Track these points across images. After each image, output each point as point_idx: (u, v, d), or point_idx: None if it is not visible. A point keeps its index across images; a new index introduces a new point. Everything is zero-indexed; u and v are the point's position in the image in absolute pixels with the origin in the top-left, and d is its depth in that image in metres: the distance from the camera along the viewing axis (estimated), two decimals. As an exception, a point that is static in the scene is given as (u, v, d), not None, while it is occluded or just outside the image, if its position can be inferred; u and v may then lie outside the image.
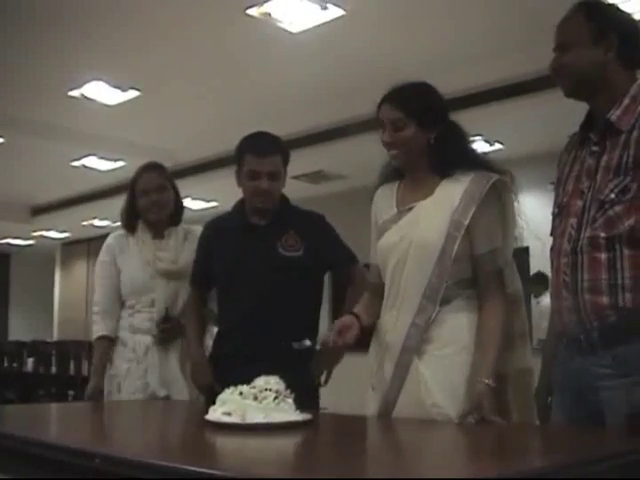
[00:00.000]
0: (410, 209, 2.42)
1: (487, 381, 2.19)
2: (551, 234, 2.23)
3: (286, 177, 3.09)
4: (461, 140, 2.45)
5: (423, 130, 2.37)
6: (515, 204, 2.37)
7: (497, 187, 2.32)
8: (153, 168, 3.49)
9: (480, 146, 7.81)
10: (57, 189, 11.25)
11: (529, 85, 6.28)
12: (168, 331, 3.31)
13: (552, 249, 2.19)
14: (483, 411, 2.14)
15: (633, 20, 2.19)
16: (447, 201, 2.32)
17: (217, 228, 3.20)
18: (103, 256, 3.51)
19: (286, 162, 3.06)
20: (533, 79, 6.11)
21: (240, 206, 3.14)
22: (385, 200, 2.53)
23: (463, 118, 7.04)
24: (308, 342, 2.50)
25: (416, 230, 2.33)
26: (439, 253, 2.28)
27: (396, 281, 2.37)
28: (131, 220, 3.49)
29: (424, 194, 2.39)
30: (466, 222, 2.28)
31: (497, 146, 7.96)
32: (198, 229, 3.46)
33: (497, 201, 2.33)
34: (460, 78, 6.62)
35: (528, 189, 7.14)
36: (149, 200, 3.39)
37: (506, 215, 2.36)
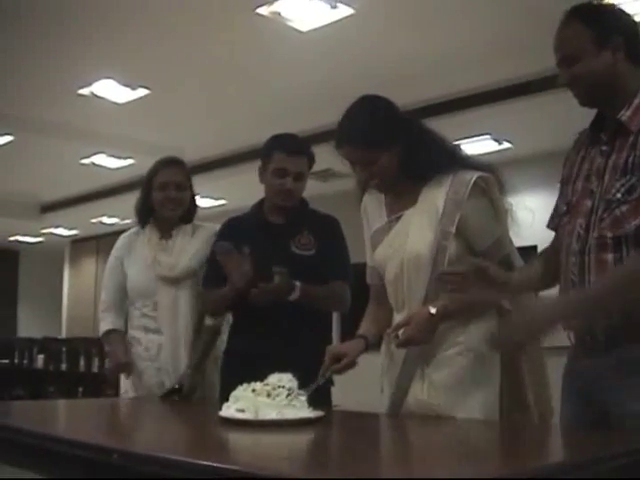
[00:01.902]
0: (398, 218, 2.44)
1: (431, 307, 2.23)
2: (555, 229, 2.25)
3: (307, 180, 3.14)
4: (429, 142, 2.43)
5: (391, 152, 2.36)
6: (501, 197, 2.37)
7: (479, 184, 2.32)
8: (174, 163, 3.43)
9: (488, 145, 7.83)
10: (66, 187, 11.27)
11: (537, 84, 6.27)
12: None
13: (562, 248, 2.18)
14: (407, 330, 2.23)
15: (628, 14, 2.16)
16: (432, 209, 2.34)
17: (234, 227, 3.23)
18: (114, 252, 3.49)
19: (311, 165, 3.11)
20: (541, 78, 6.11)
21: (259, 205, 3.19)
22: (374, 208, 2.55)
23: (471, 117, 7.11)
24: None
25: (406, 244, 2.36)
26: (431, 265, 2.30)
27: (399, 291, 2.40)
28: (144, 215, 3.44)
29: (410, 201, 2.41)
30: (453, 230, 2.29)
31: (505, 145, 7.96)
32: (208, 225, 3.47)
33: (482, 197, 2.33)
34: (469, 77, 6.63)
35: (536, 187, 7.17)
36: (166, 196, 3.33)
37: (496, 207, 2.36)
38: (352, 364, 2.43)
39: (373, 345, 2.51)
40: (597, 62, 2.07)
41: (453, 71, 6.52)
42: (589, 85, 2.11)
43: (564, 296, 2.14)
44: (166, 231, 3.42)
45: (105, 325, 3.40)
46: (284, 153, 3.04)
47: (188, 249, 3.38)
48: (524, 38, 5.65)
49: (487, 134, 7.68)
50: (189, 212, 3.45)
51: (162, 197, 3.35)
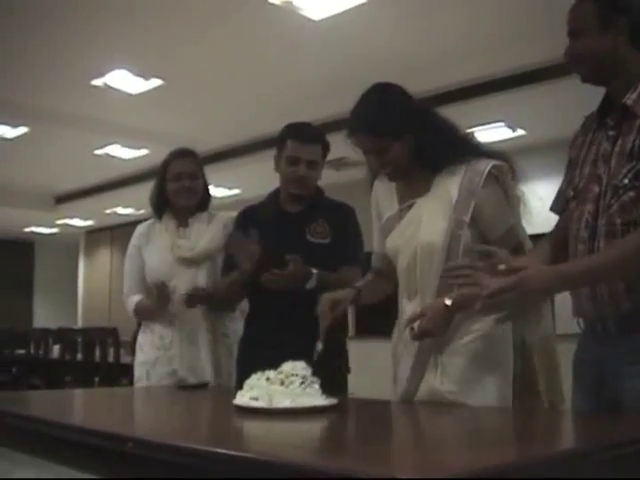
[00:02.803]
0: (410, 206, 2.43)
1: (446, 298, 2.22)
2: (559, 212, 2.24)
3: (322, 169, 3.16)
4: (441, 131, 2.42)
5: (403, 140, 2.36)
6: (514, 185, 2.37)
7: (493, 173, 2.31)
8: (187, 154, 3.50)
9: (502, 132, 7.81)
10: (81, 177, 11.31)
11: (551, 71, 6.25)
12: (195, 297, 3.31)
13: (569, 235, 2.16)
14: (423, 322, 2.22)
15: None
16: (445, 198, 2.33)
17: (251, 215, 3.27)
18: (132, 241, 3.56)
19: (325, 154, 3.13)
20: (555, 65, 6.08)
21: (274, 194, 3.21)
22: (386, 195, 2.55)
23: (485, 105, 7.07)
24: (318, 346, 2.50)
25: (419, 233, 2.35)
26: (445, 254, 2.30)
27: (411, 279, 2.40)
28: (160, 205, 3.51)
29: (422, 189, 2.40)
30: (467, 218, 2.29)
31: (519, 132, 7.93)
32: (223, 214, 3.53)
33: (496, 185, 2.33)
34: (482, 64, 6.61)
35: (550, 174, 7.14)
36: (181, 186, 3.40)
37: (509, 196, 2.36)
38: (345, 310, 2.54)
39: (363, 297, 2.60)
40: (597, 42, 2.06)
41: (466, 58, 6.50)
42: (587, 63, 2.10)
43: (564, 265, 2.08)
44: (183, 219, 3.49)
45: (133, 300, 3.48)
46: (297, 141, 3.07)
47: (205, 234, 3.44)
48: (537, 25, 5.63)
49: (501, 121, 7.65)
50: (203, 200, 3.52)
51: (177, 187, 3.42)
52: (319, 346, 2.20)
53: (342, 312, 2.53)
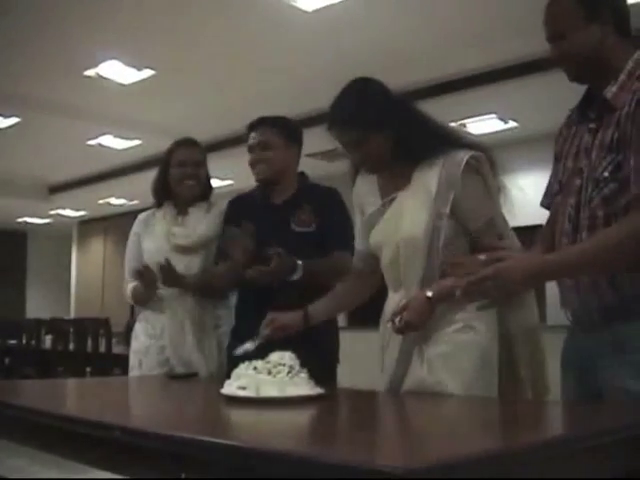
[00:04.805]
0: (392, 200, 2.44)
1: (427, 290, 2.24)
2: (548, 207, 2.25)
3: (292, 150, 3.16)
4: (420, 124, 2.43)
5: (383, 133, 2.37)
6: (493, 176, 2.37)
7: (471, 163, 2.32)
8: (192, 143, 3.54)
9: (494, 124, 7.81)
10: (73, 168, 11.30)
11: (543, 63, 6.25)
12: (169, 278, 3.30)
13: (556, 229, 2.17)
14: (405, 316, 2.24)
15: None
16: (425, 190, 2.34)
17: (239, 205, 3.29)
18: (133, 229, 3.58)
19: (282, 132, 3.14)
20: (547, 57, 6.09)
21: (263, 185, 3.23)
22: (368, 190, 2.55)
23: (477, 96, 7.06)
24: (249, 345, 2.60)
25: (400, 227, 2.36)
26: (427, 247, 2.31)
27: (395, 273, 2.41)
28: (161, 192, 3.53)
29: (402, 183, 2.41)
30: (447, 210, 2.30)
31: (511, 124, 7.94)
32: (222, 203, 3.53)
33: (475, 176, 2.34)
34: (474, 56, 6.61)
35: (542, 167, 7.16)
36: (184, 172, 3.43)
37: (488, 186, 2.36)
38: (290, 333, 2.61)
39: (314, 319, 2.67)
40: (585, 36, 2.05)
41: (459, 50, 6.50)
42: (578, 60, 2.09)
43: (543, 257, 2.09)
44: (183, 208, 3.50)
45: (130, 287, 3.48)
46: (247, 131, 3.19)
47: (203, 222, 3.45)
48: (529, 16, 5.60)
49: (493, 113, 7.66)
50: (205, 190, 3.55)
51: (181, 173, 3.44)
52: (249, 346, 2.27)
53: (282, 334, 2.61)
